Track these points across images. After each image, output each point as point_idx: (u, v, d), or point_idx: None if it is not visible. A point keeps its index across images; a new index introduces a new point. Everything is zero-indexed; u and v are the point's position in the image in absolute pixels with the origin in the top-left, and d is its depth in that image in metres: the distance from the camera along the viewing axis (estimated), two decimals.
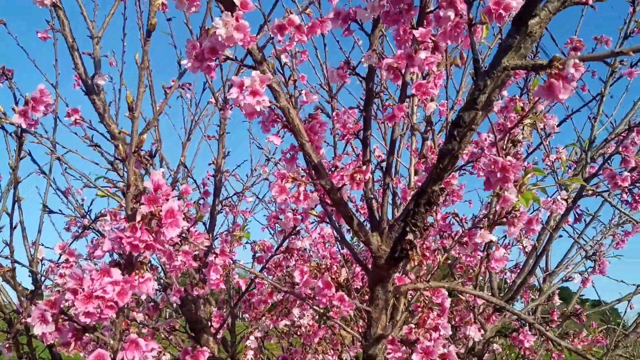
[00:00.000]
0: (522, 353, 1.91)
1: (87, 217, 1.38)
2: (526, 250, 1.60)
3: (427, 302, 1.11)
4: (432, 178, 0.80)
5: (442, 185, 0.80)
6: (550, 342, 1.73)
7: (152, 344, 0.73)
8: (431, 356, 0.84)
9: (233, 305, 1.47)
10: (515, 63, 0.69)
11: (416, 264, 0.89)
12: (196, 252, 1.04)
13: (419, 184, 1.18)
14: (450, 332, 1.08)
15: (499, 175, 0.99)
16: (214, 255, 1.00)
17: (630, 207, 1.19)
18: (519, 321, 1.56)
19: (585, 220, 1.76)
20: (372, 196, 1.02)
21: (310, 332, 1.82)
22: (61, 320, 0.73)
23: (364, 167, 0.91)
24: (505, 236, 1.51)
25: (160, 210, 0.63)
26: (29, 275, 1.54)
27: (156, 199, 0.63)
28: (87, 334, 0.76)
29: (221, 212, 1.79)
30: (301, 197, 0.87)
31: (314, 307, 1.08)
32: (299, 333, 1.97)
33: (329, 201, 0.96)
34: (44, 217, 1.60)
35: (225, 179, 1.65)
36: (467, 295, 1.33)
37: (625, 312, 2.24)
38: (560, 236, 1.47)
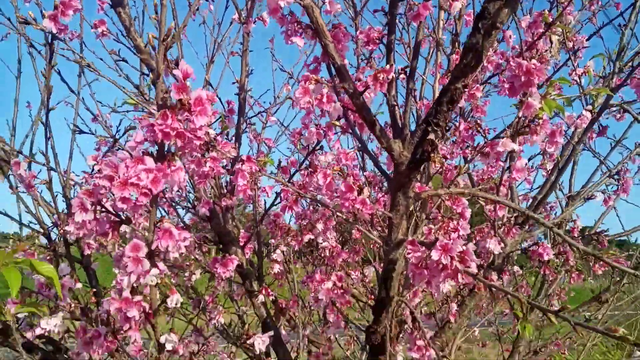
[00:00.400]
0: (543, 273, 1.95)
1: (117, 135, 1.42)
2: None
3: (447, 211, 1.14)
4: (456, 75, 0.80)
5: (466, 82, 0.80)
6: (569, 259, 1.76)
7: (184, 233, 0.77)
8: (450, 253, 0.87)
9: (258, 221, 1.52)
10: None
11: (437, 166, 0.91)
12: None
13: None
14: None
15: (523, 79, 0.99)
16: (241, 162, 1.03)
17: None
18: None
19: (610, 144, 1.75)
20: (395, 103, 1.02)
21: (334, 253, 1.88)
22: (99, 212, 0.78)
23: (388, 67, 0.92)
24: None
25: (189, 99, 0.66)
26: (63, 201, 1.61)
27: (185, 87, 0.65)
28: (123, 225, 0.81)
29: (246, 132, 1.82)
30: (324, 100, 0.89)
31: (337, 213, 1.12)
32: (322, 255, 2.04)
33: (352, 108, 0.97)
34: (74, 145, 1.65)
35: (249, 99, 1.66)
36: (488, 208, 1.36)
37: None
38: (584, 149, 1.46)
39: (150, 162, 0.69)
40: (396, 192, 1.03)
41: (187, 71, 0.65)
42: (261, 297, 1.40)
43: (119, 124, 1.51)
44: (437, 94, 1.46)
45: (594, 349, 3.78)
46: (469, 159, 1.16)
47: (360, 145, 1.12)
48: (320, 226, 1.49)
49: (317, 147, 1.34)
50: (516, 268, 2.14)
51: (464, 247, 0.88)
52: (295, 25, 0.97)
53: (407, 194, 1.03)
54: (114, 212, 0.76)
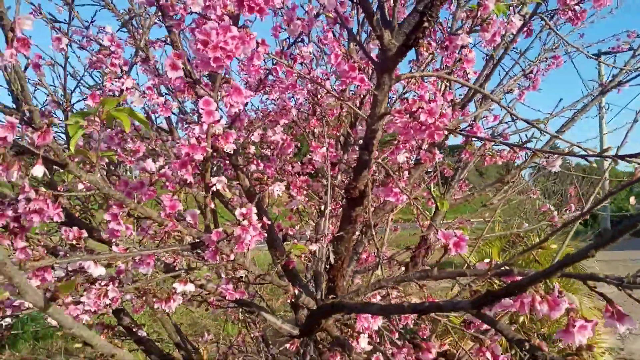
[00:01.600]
0: (459, 158, 2.36)
1: None
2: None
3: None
4: None
5: None
6: (486, 145, 2.15)
7: (249, 92, 0.98)
8: (432, 115, 1.16)
9: None
10: None
11: (424, 51, 1.17)
12: None
13: None
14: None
15: None
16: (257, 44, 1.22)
17: (572, 23, 1.50)
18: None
19: (519, 52, 2.10)
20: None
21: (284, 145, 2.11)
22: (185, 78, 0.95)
23: None
24: None
25: None
26: None
27: None
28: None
29: None
30: None
31: (331, 92, 1.35)
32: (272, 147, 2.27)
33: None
34: None
35: None
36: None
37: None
38: (511, 51, 1.80)
39: (235, 30, 0.87)
40: (382, 74, 1.28)
41: None
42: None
43: None
44: None
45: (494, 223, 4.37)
46: (430, 51, 1.42)
47: (349, 35, 1.34)
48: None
49: (299, 40, 1.54)
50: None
51: (444, 110, 1.17)
52: None
53: (391, 75, 1.28)
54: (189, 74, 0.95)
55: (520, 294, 0.64)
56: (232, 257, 1.06)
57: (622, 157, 1.24)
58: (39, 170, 0.74)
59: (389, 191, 1.35)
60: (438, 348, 1.11)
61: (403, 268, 2.49)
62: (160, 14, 1.17)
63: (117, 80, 1.32)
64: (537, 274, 0.61)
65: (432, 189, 2.70)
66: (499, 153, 2.31)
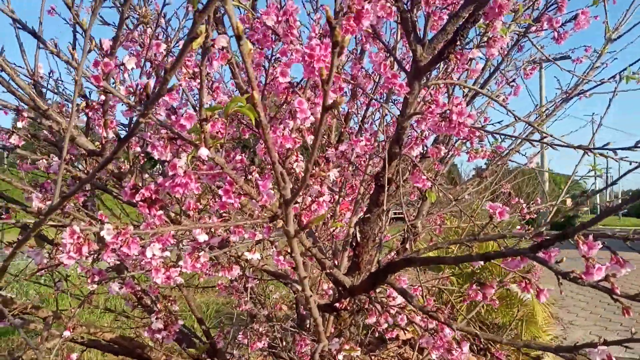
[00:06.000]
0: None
1: None
2: None
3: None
4: (481, 3, 1.34)
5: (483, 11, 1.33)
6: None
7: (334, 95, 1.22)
8: (462, 115, 1.44)
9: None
10: None
11: (454, 63, 1.45)
12: None
13: None
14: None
15: (497, 10, 1.55)
16: None
17: (556, 42, 1.83)
18: None
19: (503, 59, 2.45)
20: (417, 19, 1.53)
21: None
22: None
23: None
24: None
25: None
26: None
27: None
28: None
29: None
30: (384, 10, 1.36)
31: (374, 97, 1.61)
32: None
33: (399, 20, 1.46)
34: None
35: None
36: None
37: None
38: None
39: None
40: (414, 80, 1.55)
41: None
42: None
43: None
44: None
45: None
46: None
47: (384, 47, 1.61)
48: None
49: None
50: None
51: (470, 111, 1.46)
52: None
53: (420, 82, 1.56)
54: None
55: (568, 239, 0.92)
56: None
57: (590, 149, 1.57)
58: (204, 152, 0.98)
59: (417, 178, 1.63)
60: (404, 336, 1.44)
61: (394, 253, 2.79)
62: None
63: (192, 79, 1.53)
64: (578, 226, 0.90)
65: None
66: (483, 150, 2.64)
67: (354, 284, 1.46)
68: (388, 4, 1.34)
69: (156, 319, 1.69)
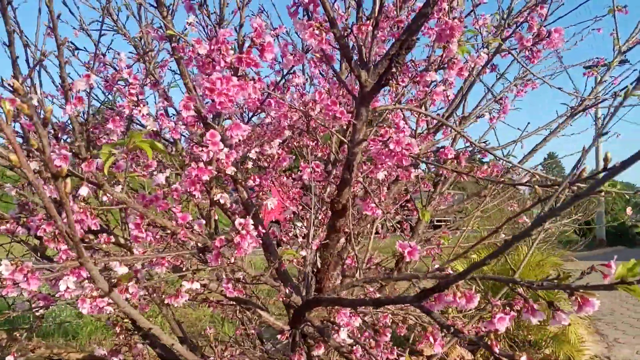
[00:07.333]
0: (437, 175, 2.58)
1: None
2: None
3: (391, 124, 1.65)
4: (412, 31, 1.28)
5: (416, 37, 1.28)
6: (462, 161, 2.39)
7: (246, 126, 1.20)
8: (400, 145, 1.39)
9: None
10: None
11: (394, 89, 1.40)
12: None
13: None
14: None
15: (448, 32, 1.48)
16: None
17: (530, 61, 1.73)
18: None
19: (496, 75, 2.34)
20: (362, 44, 1.48)
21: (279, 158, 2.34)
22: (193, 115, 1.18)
23: (367, 22, 1.37)
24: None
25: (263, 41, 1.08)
26: None
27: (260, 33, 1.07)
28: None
29: None
30: (320, 39, 1.32)
31: (322, 124, 1.58)
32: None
33: (337, 46, 1.42)
34: None
35: None
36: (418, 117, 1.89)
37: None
38: (481, 81, 2.03)
39: (235, 80, 1.10)
40: (360, 107, 1.51)
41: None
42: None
43: None
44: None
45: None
46: (403, 85, 1.66)
47: (333, 72, 1.57)
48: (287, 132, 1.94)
49: (291, 72, 1.78)
50: (419, 170, 2.76)
51: (409, 141, 1.40)
52: None
53: (367, 107, 1.51)
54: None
55: (445, 290, 0.87)
56: (232, 260, 1.29)
57: (574, 182, 1.46)
58: (84, 190, 0.98)
59: (367, 206, 1.58)
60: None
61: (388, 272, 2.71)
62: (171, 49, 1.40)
63: (135, 107, 1.55)
64: (455, 276, 0.84)
65: (415, 201, 2.93)
66: (478, 169, 2.54)
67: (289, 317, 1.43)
68: (317, 32, 1.31)
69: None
